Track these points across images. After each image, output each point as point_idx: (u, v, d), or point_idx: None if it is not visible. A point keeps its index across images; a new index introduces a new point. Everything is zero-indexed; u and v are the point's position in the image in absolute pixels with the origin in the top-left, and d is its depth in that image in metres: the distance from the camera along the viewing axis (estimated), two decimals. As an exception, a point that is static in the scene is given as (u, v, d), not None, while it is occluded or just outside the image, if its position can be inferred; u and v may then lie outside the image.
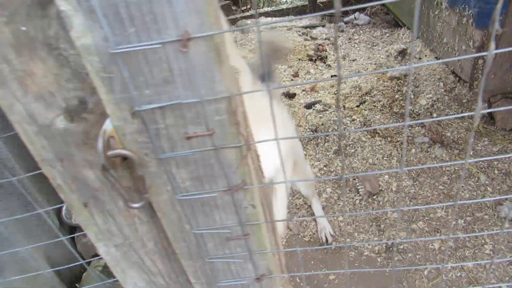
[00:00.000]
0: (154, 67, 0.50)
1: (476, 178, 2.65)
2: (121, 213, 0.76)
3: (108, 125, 0.56)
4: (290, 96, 3.58)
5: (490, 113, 3.05)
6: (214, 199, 0.67)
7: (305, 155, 3.07)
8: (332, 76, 3.76)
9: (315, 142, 3.11)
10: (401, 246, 2.33)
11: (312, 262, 2.36)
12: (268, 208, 0.82)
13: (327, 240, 2.43)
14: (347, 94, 3.54)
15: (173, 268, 0.90)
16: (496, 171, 2.68)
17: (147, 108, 0.53)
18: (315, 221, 2.56)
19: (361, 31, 4.66)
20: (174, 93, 0.52)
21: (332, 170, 2.88)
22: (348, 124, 3.20)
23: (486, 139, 2.91)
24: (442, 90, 3.33)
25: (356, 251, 2.37)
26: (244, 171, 0.62)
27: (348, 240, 2.43)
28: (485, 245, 2.28)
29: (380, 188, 2.68)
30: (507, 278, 2.12)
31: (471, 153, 2.83)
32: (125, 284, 0.94)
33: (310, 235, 2.51)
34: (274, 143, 0.61)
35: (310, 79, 3.81)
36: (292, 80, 3.86)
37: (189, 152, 0.59)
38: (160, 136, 0.58)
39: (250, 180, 0.69)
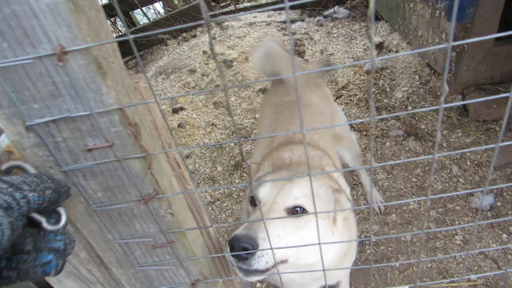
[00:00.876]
0: (37, 82, 0.49)
1: (449, 170, 2.68)
2: (46, 224, 0.76)
3: (3, 140, 0.55)
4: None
5: (464, 105, 3.07)
6: (131, 209, 0.67)
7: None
8: (309, 71, 3.76)
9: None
10: (374, 239, 2.35)
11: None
12: (199, 213, 0.82)
13: (380, 210, 2.51)
14: (324, 88, 3.54)
15: (112, 276, 0.89)
16: (468, 162, 2.70)
17: (39, 122, 0.52)
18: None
19: (340, 25, 4.66)
20: (64, 106, 0.51)
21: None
22: (324, 119, 3.20)
23: (460, 130, 2.93)
24: (418, 82, 3.34)
25: (330, 246, 2.38)
26: (152, 180, 0.62)
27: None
28: (456, 236, 2.30)
29: (354, 182, 2.70)
30: (476, 268, 2.15)
31: (444, 145, 2.85)
32: (64, 293, 0.93)
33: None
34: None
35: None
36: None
37: (91, 164, 0.58)
38: (60, 149, 0.57)
39: (170, 188, 0.69)
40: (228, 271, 0.96)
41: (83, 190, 0.63)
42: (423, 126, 3.01)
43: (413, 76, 3.40)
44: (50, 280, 0.89)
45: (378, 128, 3.08)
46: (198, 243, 0.81)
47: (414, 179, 2.66)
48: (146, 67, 4.68)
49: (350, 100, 3.37)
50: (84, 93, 0.50)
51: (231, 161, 3.11)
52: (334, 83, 3.55)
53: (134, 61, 5.24)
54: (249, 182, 1.31)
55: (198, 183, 2.99)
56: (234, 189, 2.87)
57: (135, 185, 0.62)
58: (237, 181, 2.93)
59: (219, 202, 2.82)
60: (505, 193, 2.47)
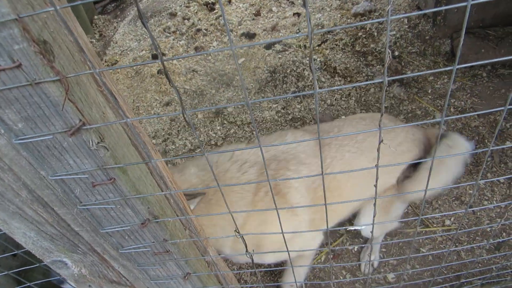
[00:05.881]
0: None
1: (432, 116, 2.64)
2: (-24, 162, 0.70)
3: None
4: (250, 36, 3.43)
5: (452, 50, 2.99)
6: (59, 142, 0.61)
7: (263, 96, 3.00)
8: (294, 14, 3.59)
9: (273, 84, 3.03)
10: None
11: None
12: (144, 149, 0.77)
13: None
14: (310, 33, 3.40)
15: (61, 217, 0.86)
16: (452, 109, 2.66)
17: None
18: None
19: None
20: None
21: (289, 112, 2.83)
22: (308, 65, 3.11)
23: (446, 76, 2.86)
24: (406, 26, 3.22)
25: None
26: (74, 109, 0.55)
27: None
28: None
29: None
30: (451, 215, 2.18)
31: (429, 91, 2.80)
32: (13, 235, 0.89)
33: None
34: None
35: (272, 17, 3.64)
36: (253, 19, 3.68)
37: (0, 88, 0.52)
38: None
39: (103, 120, 0.63)
40: (185, 211, 0.93)
41: (0, 121, 0.57)
42: (409, 72, 2.93)
43: (401, 20, 3.27)
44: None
45: (363, 74, 3.00)
46: (145, 181, 0.76)
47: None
48: (125, 11, 4.45)
49: (336, 44, 3.25)
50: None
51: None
52: (320, 27, 3.42)
53: (113, 4, 4.97)
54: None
55: (178, 130, 2.93)
56: (213, 135, 2.82)
57: (58, 114, 0.56)
58: (218, 127, 2.87)
59: (199, 150, 2.78)
60: (486, 140, 2.46)
